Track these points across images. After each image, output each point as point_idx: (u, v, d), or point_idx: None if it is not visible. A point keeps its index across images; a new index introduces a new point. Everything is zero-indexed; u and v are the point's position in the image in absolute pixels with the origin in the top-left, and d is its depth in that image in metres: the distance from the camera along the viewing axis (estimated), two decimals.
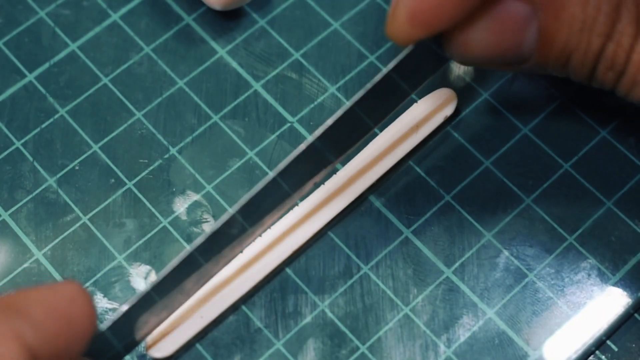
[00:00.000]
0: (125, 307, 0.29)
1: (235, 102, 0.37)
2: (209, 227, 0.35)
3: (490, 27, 0.30)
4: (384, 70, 0.31)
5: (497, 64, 0.31)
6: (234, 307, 0.34)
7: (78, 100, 0.37)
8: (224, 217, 0.30)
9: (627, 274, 0.34)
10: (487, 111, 0.37)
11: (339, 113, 0.31)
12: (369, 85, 0.32)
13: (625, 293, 0.34)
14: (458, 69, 0.37)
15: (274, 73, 0.38)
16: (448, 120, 0.36)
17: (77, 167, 0.36)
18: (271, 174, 0.31)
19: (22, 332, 0.24)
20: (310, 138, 0.31)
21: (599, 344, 0.33)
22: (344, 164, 0.35)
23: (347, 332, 0.33)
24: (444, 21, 0.30)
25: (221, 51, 0.38)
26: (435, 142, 0.36)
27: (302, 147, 0.31)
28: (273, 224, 0.33)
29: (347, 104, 0.31)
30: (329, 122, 0.31)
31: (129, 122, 0.37)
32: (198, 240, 0.30)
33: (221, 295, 0.33)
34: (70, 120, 0.37)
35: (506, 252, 0.34)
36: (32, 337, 0.24)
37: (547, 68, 0.31)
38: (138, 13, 0.39)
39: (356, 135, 0.33)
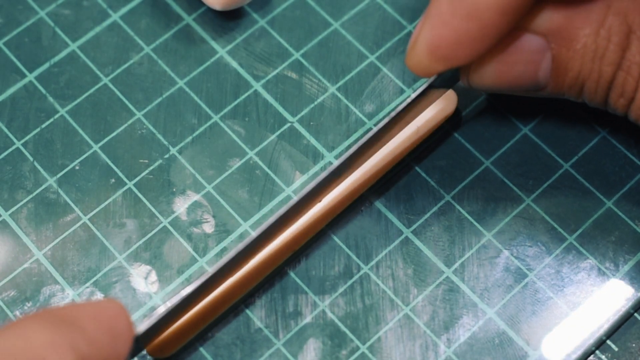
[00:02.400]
0: (143, 327, 0.30)
1: (236, 102, 0.37)
2: (208, 227, 0.35)
3: (506, 60, 0.32)
4: (409, 100, 0.33)
5: (515, 92, 0.33)
6: (234, 307, 0.34)
7: (78, 100, 0.37)
8: (246, 241, 0.32)
9: (627, 274, 0.34)
10: (487, 111, 0.37)
11: (363, 140, 0.33)
12: (393, 114, 0.33)
13: (625, 293, 0.34)
14: None
15: (274, 73, 0.38)
16: (448, 120, 0.36)
17: (77, 167, 0.36)
18: (295, 199, 0.32)
19: (76, 344, 0.26)
20: (336, 163, 0.33)
21: (599, 344, 0.33)
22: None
23: (348, 332, 0.33)
24: (462, 57, 0.31)
25: (221, 51, 0.38)
26: (435, 142, 0.36)
27: (325, 174, 0.33)
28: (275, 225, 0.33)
29: (374, 129, 0.33)
30: (354, 148, 0.33)
31: (129, 122, 0.37)
32: (220, 263, 0.32)
33: (221, 294, 0.33)
34: (71, 120, 0.37)
35: (506, 252, 0.34)
36: (85, 349, 0.26)
37: (563, 95, 0.33)
38: (138, 13, 0.39)
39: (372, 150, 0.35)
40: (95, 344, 0.26)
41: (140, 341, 0.31)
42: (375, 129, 0.33)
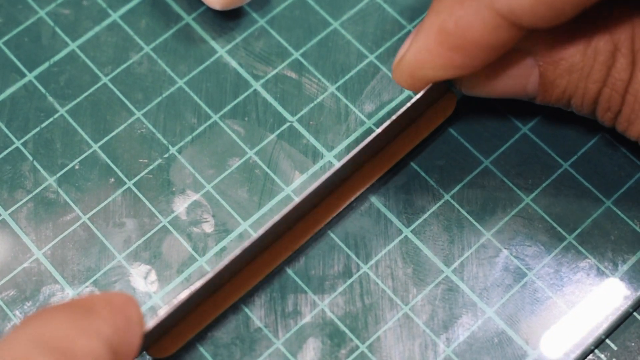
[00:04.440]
0: (148, 326, 0.31)
1: (235, 102, 0.37)
2: (208, 226, 0.35)
3: (495, 74, 0.33)
4: (408, 104, 0.34)
5: (508, 98, 0.34)
6: (234, 307, 0.34)
7: (78, 99, 0.37)
8: (247, 243, 0.32)
9: (626, 273, 0.34)
10: (486, 110, 0.37)
11: (364, 142, 0.33)
12: (394, 117, 0.34)
13: (624, 292, 0.34)
14: None
15: (273, 72, 0.38)
16: (448, 120, 0.36)
17: (77, 167, 0.36)
18: (297, 200, 0.33)
19: (100, 328, 0.27)
20: (337, 165, 0.33)
21: (598, 343, 0.34)
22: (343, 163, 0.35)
23: (347, 331, 0.33)
24: (445, 78, 0.32)
25: (221, 51, 0.38)
26: (434, 142, 0.36)
27: (327, 175, 0.33)
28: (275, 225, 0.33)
29: (376, 131, 0.33)
30: (356, 151, 0.33)
31: (129, 121, 0.37)
32: (221, 264, 0.32)
33: (221, 294, 0.34)
34: (70, 120, 0.37)
35: (505, 252, 0.34)
36: (107, 332, 0.27)
37: (552, 106, 0.34)
38: (138, 12, 0.39)
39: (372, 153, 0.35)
40: (114, 326, 0.27)
41: (143, 344, 0.31)
42: (377, 131, 0.33)
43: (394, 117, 0.33)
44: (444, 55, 0.31)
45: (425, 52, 0.31)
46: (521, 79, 0.33)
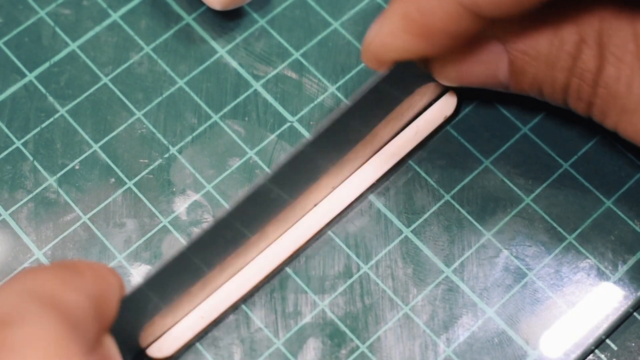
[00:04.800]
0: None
1: (235, 102, 0.37)
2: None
3: (466, 60, 0.33)
4: (376, 78, 0.32)
5: (486, 87, 0.34)
6: (234, 307, 0.34)
7: (78, 99, 0.37)
8: (217, 216, 0.31)
9: (627, 273, 0.34)
10: (486, 110, 0.37)
11: (332, 117, 0.32)
12: (357, 95, 0.32)
13: (624, 292, 0.34)
14: None
15: (273, 73, 0.38)
16: (448, 120, 0.36)
17: (77, 167, 0.36)
18: (265, 175, 0.32)
19: (86, 286, 0.28)
20: (305, 140, 0.32)
21: (599, 343, 0.34)
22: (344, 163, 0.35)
23: (347, 331, 0.34)
24: (409, 59, 0.32)
25: (221, 51, 0.38)
26: (435, 142, 0.36)
27: (296, 150, 0.32)
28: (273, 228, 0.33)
29: (340, 109, 0.32)
30: (325, 124, 0.32)
31: (129, 121, 0.37)
32: (192, 238, 0.31)
33: (221, 294, 0.34)
34: (71, 120, 0.37)
35: (506, 252, 0.34)
36: (90, 288, 0.28)
37: (527, 95, 0.34)
38: (138, 13, 0.39)
39: (348, 142, 0.34)
40: (98, 289, 0.28)
41: (142, 342, 0.31)
42: (347, 104, 0.32)
43: (362, 89, 0.33)
44: (408, 41, 0.31)
45: (390, 37, 0.31)
46: (491, 65, 0.33)
